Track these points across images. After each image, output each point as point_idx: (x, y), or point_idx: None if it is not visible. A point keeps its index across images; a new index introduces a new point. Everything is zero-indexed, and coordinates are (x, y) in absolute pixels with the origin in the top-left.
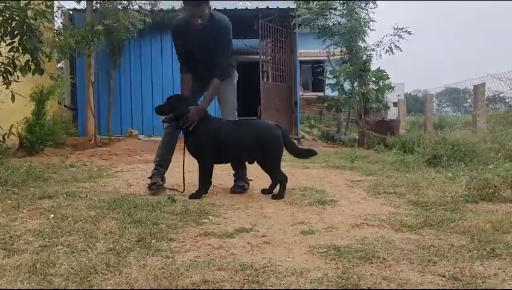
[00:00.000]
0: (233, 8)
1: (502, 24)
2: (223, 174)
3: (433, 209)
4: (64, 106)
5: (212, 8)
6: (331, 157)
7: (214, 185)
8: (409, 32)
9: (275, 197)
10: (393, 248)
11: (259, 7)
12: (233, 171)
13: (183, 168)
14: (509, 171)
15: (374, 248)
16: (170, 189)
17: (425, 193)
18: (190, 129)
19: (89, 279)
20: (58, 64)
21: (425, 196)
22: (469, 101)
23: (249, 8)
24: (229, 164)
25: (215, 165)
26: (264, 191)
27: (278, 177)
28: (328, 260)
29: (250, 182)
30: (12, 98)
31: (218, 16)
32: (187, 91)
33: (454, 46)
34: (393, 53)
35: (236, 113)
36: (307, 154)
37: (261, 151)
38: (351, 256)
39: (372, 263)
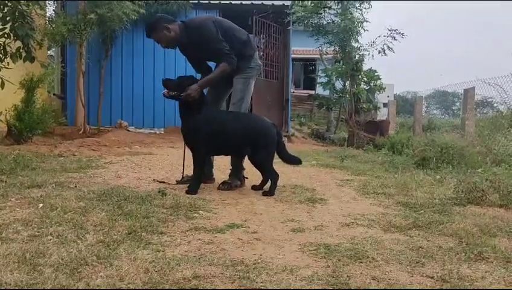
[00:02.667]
0: (228, 2)
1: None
2: (222, 169)
3: (422, 211)
4: (54, 94)
5: (193, 4)
6: (321, 155)
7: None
8: (402, 34)
9: (265, 194)
10: (383, 248)
11: (253, 3)
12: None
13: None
14: (496, 176)
15: (364, 247)
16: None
17: (414, 195)
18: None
19: (79, 270)
20: (49, 52)
21: (414, 197)
22: (457, 104)
23: (243, 3)
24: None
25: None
26: (254, 188)
27: (270, 175)
28: (318, 258)
29: (246, 179)
30: (2, 85)
31: (189, 22)
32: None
33: (445, 47)
34: (385, 54)
35: (245, 107)
36: (293, 161)
37: (254, 146)
38: (341, 255)
39: (361, 262)
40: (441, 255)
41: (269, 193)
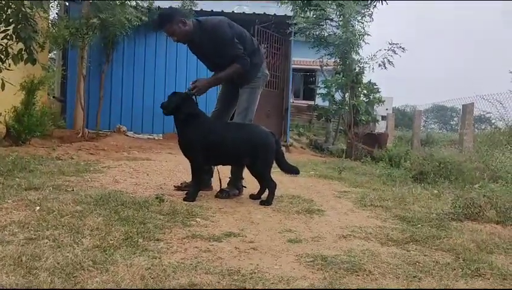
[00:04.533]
0: (231, 11)
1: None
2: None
3: (419, 225)
4: (54, 97)
5: (195, 12)
6: (319, 166)
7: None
8: (403, 49)
9: (263, 203)
10: (380, 262)
11: (256, 12)
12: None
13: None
14: (494, 192)
15: (361, 260)
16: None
17: (412, 208)
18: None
19: (75, 275)
20: (50, 55)
21: (412, 211)
22: (455, 119)
23: (246, 12)
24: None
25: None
26: (252, 197)
27: (268, 184)
28: (315, 270)
29: (244, 188)
30: (2, 86)
31: (204, 22)
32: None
33: (444, 63)
34: (386, 68)
35: (251, 117)
36: (291, 170)
37: (252, 156)
38: (338, 267)
39: (358, 275)
40: (438, 270)
41: (267, 203)
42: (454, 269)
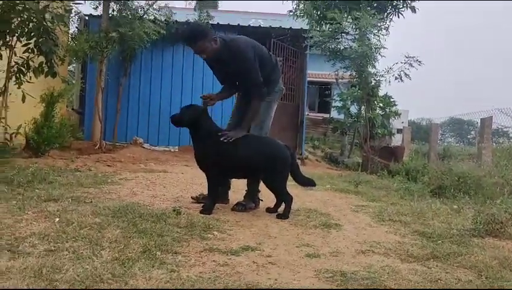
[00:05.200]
0: (247, 25)
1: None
2: (235, 190)
3: (440, 241)
4: (72, 109)
5: (212, 25)
6: (335, 180)
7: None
8: (419, 62)
9: (279, 216)
10: (400, 279)
11: (272, 26)
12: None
13: None
14: None
15: (381, 276)
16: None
17: (431, 224)
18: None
19: (94, 288)
20: (69, 68)
21: (431, 226)
22: (473, 133)
23: (262, 26)
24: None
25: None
26: (268, 210)
27: (284, 197)
28: (335, 286)
29: (260, 202)
30: (23, 99)
31: (230, 42)
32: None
33: (460, 76)
34: (402, 81)
35: (266, 130)
36: (307, 183)
37: (267, 169)
38: (358, 283)
39: None
40: (460, 288)
41: (283, 216)
42: (477, 287)
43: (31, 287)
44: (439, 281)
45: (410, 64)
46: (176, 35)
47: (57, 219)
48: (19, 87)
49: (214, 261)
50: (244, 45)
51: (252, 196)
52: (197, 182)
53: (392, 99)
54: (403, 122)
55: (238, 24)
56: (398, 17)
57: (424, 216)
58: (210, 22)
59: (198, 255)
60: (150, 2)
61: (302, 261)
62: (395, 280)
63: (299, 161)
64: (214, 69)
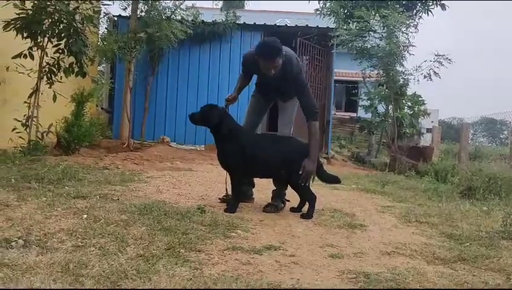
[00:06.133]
0: (273, 24)
1: None
2: (260, 189)
3: (467, 244)
4: (102, 108)
5: (238, 25)
6: (362, 179)
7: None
8: (450, 60)
9: (303, 216)
10: (426, 281)
11: (298, 25)
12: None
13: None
14: None
15: (405, 279)
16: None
17: (459, 226)
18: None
19: (119, 283)
20: (99, 68)
21: (459, 228)
22: (505, 132)
23: (288, 25)
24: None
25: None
26: (292, 210)
27: (307, 197)
28: (358, 287)
29: (287, 202)
30: (54, 98)
31: (287, 58)
32: (237, 88)
33: (493, 74)
34: (431, 80)
35: (291, 129)
36: (332, 180)
37: (290, 168)
38: (381, 285)
39: None
40: None
41: (307, 216)
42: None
43: (58, 282)
44: (465, 284)
45: (440, 63)
46: (259, 49)
47: (85, 216)
48: (50, 87)
49: (236, 259)
50: (299, 64)
51: (280, 195)
52: (222, 180)
53: (420, 98)
54: (432, 122)
55: (264, 23)
56: (428, 14)
57: (452, 218)
58: (236, 22)
59: (221, 254)
60: (177, 3)
61: (325, 262)
62: (420, 282)
63: (325, 161)
64: (263, 79)
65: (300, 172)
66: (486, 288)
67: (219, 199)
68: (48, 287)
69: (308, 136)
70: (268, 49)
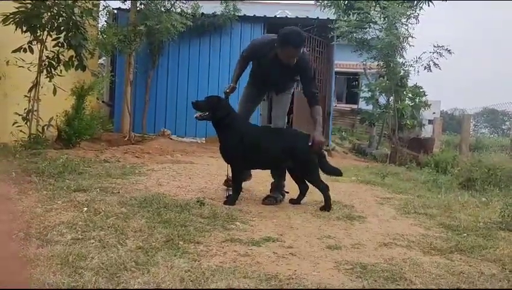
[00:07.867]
0: (273, 16)
1: None
2: (259, 181)
3: (465, 234)
4: (103, 101)
5: (238, 17)
6: (362, 171)
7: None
8: (449, 51)
9: (323, 209)
10: (421, 271)
11: (298, 17)
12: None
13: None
14: None
15: (402, 269)
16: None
17: (457, 217)
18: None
19: (118, 275)
20: (99, 61)
21: (457, 219)
22: (507, 123)
23: (288, 17)
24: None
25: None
26: (291, 201)
27: (319, 186)
28: (354, 278)
29: (286, 194)
30: (54, 92)
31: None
32: (236, 76)
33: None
34: (431, 71)
35: (285, 121)
36: (334, 172)
37: (295, 160)
38: (377, 275)
39: (398, 284)
40: (482, 281)
41: (326, 208)
42: (500, 281)
43: (57, 275)
44: (461, 274)
45: (440, 54)
46: (288, 37)
47: (85, 209)
48: (50, 81)
49: (235, 251)
50: (309, 59)
51: (279, 188)
52: (222, 173)
53: (421, 90)
54: (434, 113)
55: (265, 15)
56: (428, 5)
57: (450, 209)
58: (236, 14)
59: (220, 246)
60: None
61: (323, 253)
62: (416, 273)
63: (325, 152)
64: (260, 63)
65: (310, 143)
66: (481, 278)
67: (223, 184)
68: (47, 280)
69: (312, 115)
70: (298, 38)
